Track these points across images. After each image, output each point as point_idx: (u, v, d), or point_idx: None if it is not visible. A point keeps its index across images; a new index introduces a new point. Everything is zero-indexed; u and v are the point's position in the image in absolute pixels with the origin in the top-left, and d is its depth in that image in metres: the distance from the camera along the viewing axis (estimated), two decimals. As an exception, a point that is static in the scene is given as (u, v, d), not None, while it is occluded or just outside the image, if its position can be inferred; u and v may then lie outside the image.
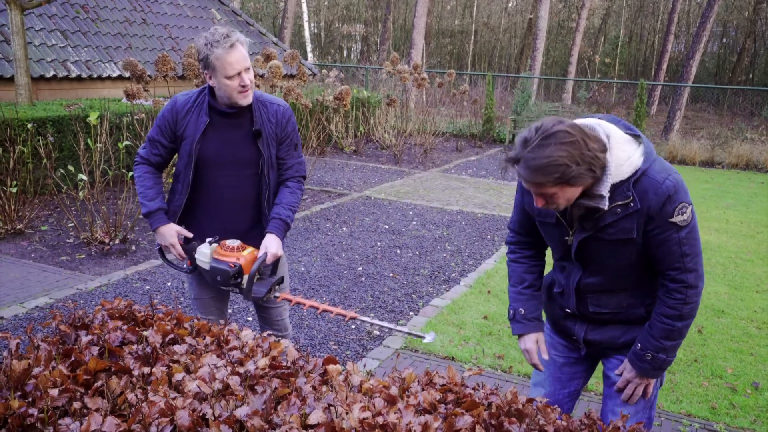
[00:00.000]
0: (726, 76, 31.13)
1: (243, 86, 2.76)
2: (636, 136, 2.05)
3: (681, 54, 31.99)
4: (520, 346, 2.41)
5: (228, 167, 2.93)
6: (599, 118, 2.09)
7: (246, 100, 2.81)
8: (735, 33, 33.47)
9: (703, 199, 9.77)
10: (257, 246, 2.91)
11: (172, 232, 2.93)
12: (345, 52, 38.57)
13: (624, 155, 1.97)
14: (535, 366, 2.38)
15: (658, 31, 33.30)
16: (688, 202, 2.00)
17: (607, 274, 2.17)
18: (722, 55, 33.82)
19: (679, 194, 1.98)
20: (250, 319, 4.75)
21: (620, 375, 2.28)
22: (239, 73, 2.73)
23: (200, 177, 2.94)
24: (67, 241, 6.39)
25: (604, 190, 1.95)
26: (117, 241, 6.17)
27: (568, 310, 2.34)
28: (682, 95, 16.72)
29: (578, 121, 1.99)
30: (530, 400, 1.65)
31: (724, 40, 34.26)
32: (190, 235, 2.98)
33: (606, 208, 1.97)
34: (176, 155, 3.03)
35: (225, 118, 2.88)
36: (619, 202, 1.99)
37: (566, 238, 2.17)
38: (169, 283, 5.38)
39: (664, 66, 22.91)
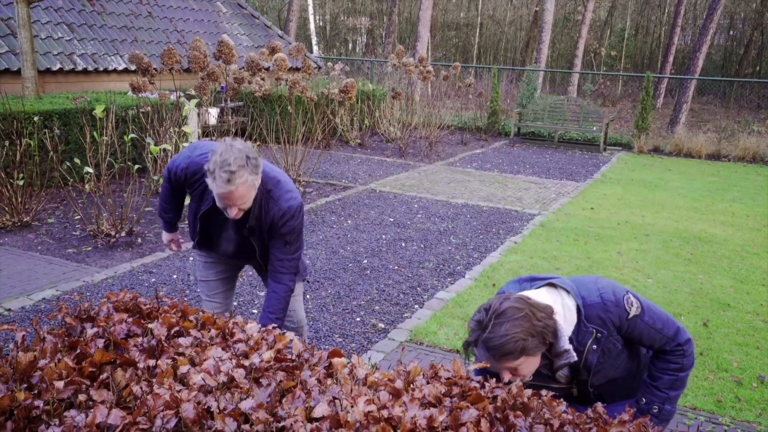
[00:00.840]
0: (733, 68, 30.93)
1: (228, 213, 2.75)
2: (549, 284, 2.18)
3: (687, 46, 31.78)
4: None
5: (229, 237, 3.08)
6: (506, 293, 2.19)
7: (233, 218, 2.78)
8: (742, 25, 33.21)
9: (709, 192, 9.73)
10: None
11: (167, 238, 3.45)
12: (350, 45, 38.48)
13: (559, 308, 2.10)
14: None
15: (665, 23, 33.08)
16: (624, 291, 2.14)
17: (612, 376, 2.28)
18: (729, 47, 33.56)
19: (617, 296, 2.12)
20: (255, 311, 4.76)
21: None
22: (229, 205, 2.70)
23: (207, 231, 3.11)
24: (74, 233, 6.41)
25: (566, 344, 2.08)
26: (123, 234, 6.19)
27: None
28: (688, 88, 16.62)
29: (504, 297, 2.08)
30: (536, 394, 1.64)
31: (731, 32, 34.00)
32: (181, 248, 3.54)
33: (576, 358, 2.09)
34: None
35: None
36: (589, 341, 2.12)
37: (571, 390, 2.29)
38: (174, 276, 5.40)
39: (671, 58, 22.76)
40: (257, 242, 2.96)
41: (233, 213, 2.70)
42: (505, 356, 1.96)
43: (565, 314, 2.10)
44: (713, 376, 4.07)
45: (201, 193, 2.94)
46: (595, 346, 2.12)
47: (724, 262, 6.35)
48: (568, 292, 2.13)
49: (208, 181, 2.61)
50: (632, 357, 2.29)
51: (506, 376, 2.05)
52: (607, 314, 2.10)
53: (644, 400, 2.25)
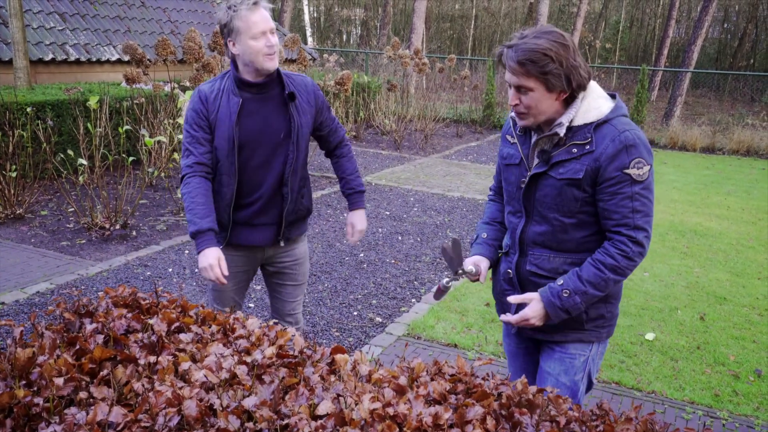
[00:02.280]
0: (727, 61, 30.98)
1: (269, 46, 2.65)
2: (612, 96, 2.17)
3: (682, 39, 31.80)
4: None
5: (264, 144, 2.83)
6: None
7: (273, 63, 2.71)
8: (736, 18, 33.25)
9: (704, 186, 9.74)
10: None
11: (215, 255, 2.68)
12: (344, 37, 38.32)
13: (594, 104, 2.09)
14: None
15: (660, 15, 33.08)
16: (647, 161, 2.03)
17: (551, 225, 2.17)
18: (723, 40, 33.59)
19: (637, 149, 2.02)
20: (252, 305, 4.74)
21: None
22: (265, 33, 2.63)
23: (242, 161, 2.83)
24: (68, 226, 6.36)
25: (565, 120, 2.06)
26: (117, 227, 6.15)
27: (509, 271, 2.31)
28: (683, 81, 16.63)
29: None
30: (541, 390, 1.63)
31: (726, 25, 34.03)
32: (225, 273, 2.70)
33: (562, 134, 2.07)
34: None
35: (256, 94, 2.78)
36: (578, 142, 2.07)
37: (523, 179, 2.22)
38: (170, 269, 5.37)
39: (665, 51, 22.75)
40: (296, 112, 2.83)
41: (273, 40, 2.68)
42: (525, 64, 1.96)
43: (589, 110, 2.07)
44: (710, 370, 4.08)
45: (227, 101, 2.75)
46: (575, 150, 2.06)
47: (719, 256, 6.36)
48: (613, 108, 2.09)
49: (236, 14, 2.62)
50: (579, 240, 2.16)
51: (514, 99, 2.06)
52: (611, 143, 2.02)
53: (561, 281, 2.11)
